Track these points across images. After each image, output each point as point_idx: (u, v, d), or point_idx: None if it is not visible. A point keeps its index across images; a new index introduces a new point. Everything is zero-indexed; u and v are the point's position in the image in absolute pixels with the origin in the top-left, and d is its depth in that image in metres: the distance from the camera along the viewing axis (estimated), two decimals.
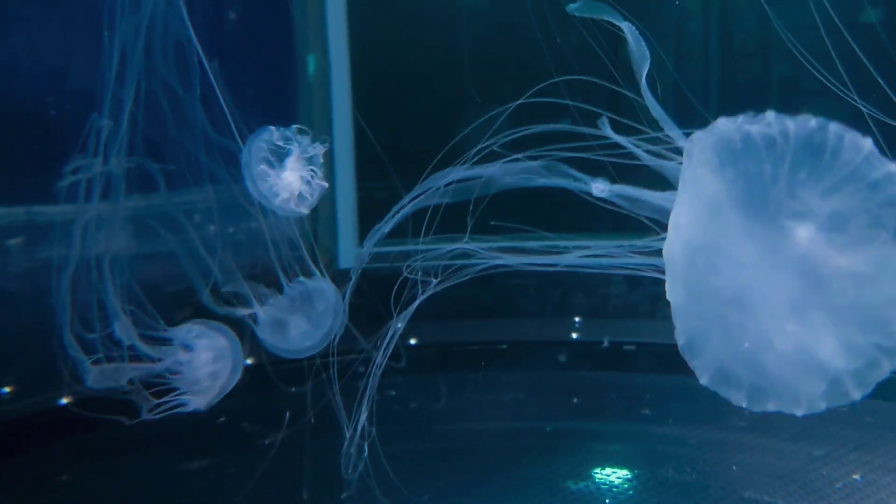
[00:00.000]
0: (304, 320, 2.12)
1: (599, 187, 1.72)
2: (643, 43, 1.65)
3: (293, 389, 2.22)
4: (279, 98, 3.50)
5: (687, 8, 3.80)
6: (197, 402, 2.10)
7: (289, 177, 2.04)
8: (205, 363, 2.08)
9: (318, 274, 2.17)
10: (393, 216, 1.98)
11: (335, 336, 2.15)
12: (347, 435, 2.03)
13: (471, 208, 1.94)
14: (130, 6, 2.10)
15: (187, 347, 2.09)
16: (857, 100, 1.66)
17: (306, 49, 3.63)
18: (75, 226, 2.20)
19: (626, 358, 2.95)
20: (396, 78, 3.74)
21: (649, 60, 1.65)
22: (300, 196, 2.07)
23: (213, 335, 2.08)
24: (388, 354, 1.97)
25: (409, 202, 1.95)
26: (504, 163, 1.79)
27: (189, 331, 2.08)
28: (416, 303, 1.98)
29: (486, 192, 1.86)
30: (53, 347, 2.25)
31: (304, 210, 2.09)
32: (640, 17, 3.62)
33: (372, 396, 1.97)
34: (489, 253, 2.14)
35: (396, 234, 2.33)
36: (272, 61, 3.51)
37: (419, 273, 2.00)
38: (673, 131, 1.58)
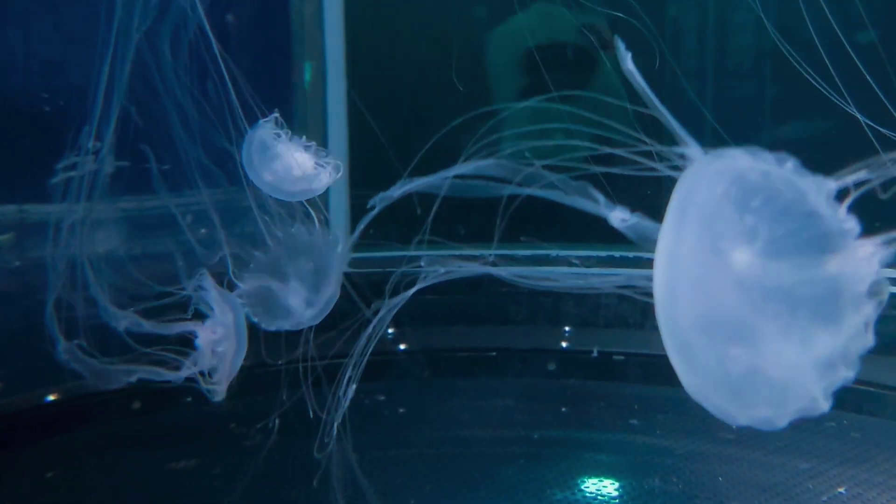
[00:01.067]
0: (294, 282, 2.08)
1: (619, 216, 1.64)
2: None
3: (280, 363, 2.20)
4: (274, 103, 3.50)
5: (683, 25, 3.83)
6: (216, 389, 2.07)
7: (297, 157, 2.02)
8: (212, 342, 2.06)
9: (313, 228, 2.12)
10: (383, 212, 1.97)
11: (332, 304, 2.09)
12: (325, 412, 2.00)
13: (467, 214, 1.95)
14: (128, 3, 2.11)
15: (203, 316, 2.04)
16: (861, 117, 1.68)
17: (303, 55, 3.64)
18: (67, 224, 2.20)
19: (615, 368, 2.95)
20: (392, 84, 3.76)
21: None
22: (312, 176, 2.04)
23: (222, 310, 2.04)
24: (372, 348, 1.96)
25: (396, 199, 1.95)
26: (520, 170, 1.78)
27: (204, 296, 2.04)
28: (397, 307, 1.97)
29: (486, 195, 1.85)
30: (42, 344, 2.25)
31: (319, 188, 2.05)
32: (637, 33, 3.66)
33: (359, 364, 1.95)
34: (482, 261, 2.15)
35: (385, 238, 2.34)
36: (269, 66, 3.52)
37: (407, 278, 2.01)
38: (690, 146, 1.58)
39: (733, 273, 1.44)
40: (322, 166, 2.06)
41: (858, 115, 1.63)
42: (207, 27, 2.13)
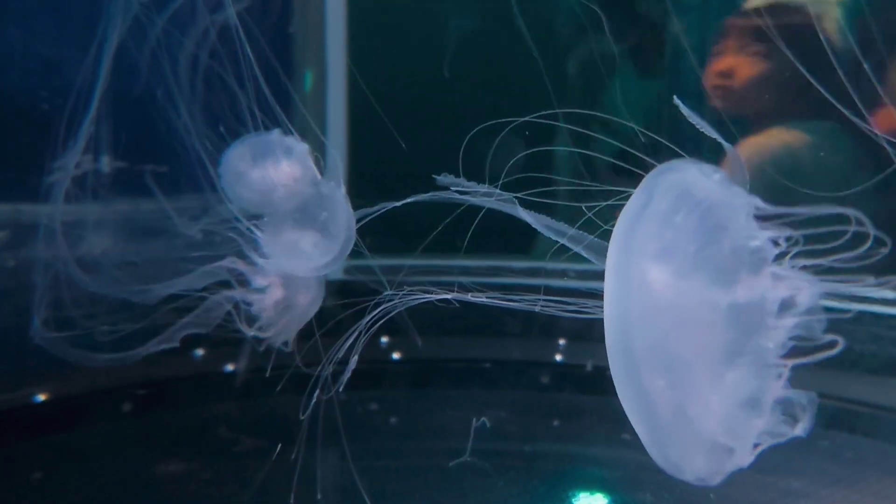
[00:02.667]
0: (307, 233, 1.98)
1: None
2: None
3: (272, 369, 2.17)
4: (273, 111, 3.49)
5: (685, 45, 3.84)
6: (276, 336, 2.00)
7: (288, 168, 1.98)
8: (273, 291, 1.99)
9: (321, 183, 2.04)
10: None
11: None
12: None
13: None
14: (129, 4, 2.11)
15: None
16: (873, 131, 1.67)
17: (304, 63, 3.64)
18: (60, 225, 2.19)
19: (609, 382, 2.93)
20: (392, 96, 3.76)
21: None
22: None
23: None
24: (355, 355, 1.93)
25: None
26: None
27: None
28: (390, 316, 1.96)
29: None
30: (33, 344, 2.23)
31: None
32: (636, 50, 3.65)
33: (350, 372, 1.93)
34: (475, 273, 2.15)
35: (383, 248, 2.33)
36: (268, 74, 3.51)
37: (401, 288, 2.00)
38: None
39: (650, 293, 1.41)
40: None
41: (878, 135, 1.62)
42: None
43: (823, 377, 2.87)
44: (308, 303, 2.03)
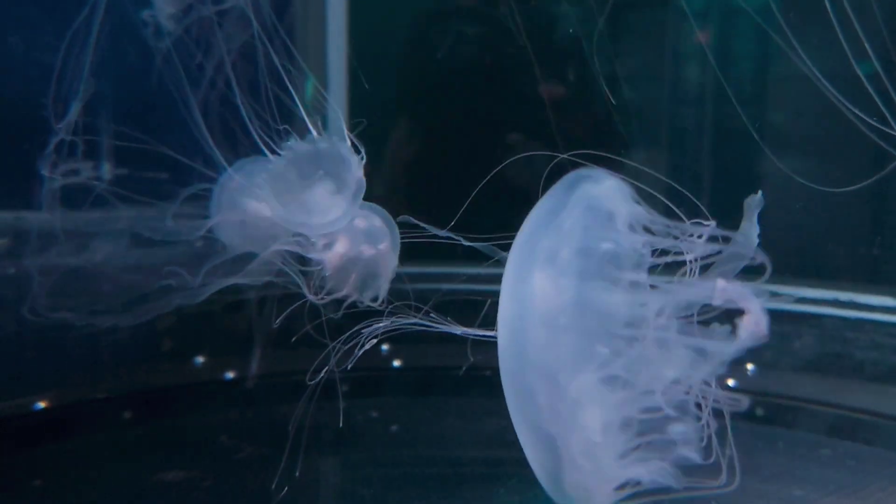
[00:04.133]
0: (307, 191, 1.92)
1: None
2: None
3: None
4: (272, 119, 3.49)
5: (685, 53, 3.84)
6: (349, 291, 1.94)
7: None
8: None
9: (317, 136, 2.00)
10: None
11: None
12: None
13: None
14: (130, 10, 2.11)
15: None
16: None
17: (305, 72, 3.64)
18: (60, 232, 2.20)
19: None
20: (393, 105, 3.76)
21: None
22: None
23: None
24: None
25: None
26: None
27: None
28: (393, 323, 1.96)
29: None
30: (34, 351, 2.23)
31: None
32: (637, 59, 3.66)
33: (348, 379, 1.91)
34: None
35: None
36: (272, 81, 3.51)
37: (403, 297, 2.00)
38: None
39: (541, 306, 1.41)
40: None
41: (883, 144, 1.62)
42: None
43: (824, 385, 2.88)
44: (372, 255, 1.97)
